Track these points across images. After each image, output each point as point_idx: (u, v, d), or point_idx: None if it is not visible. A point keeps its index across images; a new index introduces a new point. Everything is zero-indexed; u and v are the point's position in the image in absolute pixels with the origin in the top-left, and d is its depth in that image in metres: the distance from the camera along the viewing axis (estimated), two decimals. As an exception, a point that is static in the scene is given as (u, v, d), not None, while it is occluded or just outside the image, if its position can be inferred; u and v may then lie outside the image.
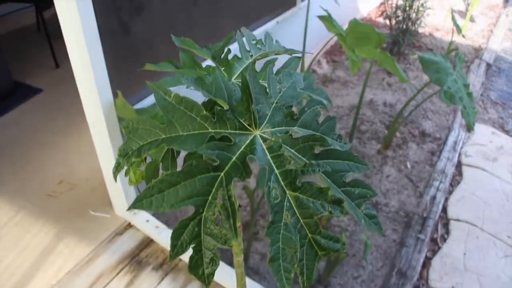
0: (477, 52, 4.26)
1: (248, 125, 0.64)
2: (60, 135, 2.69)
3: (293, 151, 0.62)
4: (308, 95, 0.73)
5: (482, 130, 3.19)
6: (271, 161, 0.61)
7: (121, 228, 2.13)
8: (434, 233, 2.37)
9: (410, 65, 3.89)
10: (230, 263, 1.93)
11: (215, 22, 2.34)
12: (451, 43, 3.16)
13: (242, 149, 0.61)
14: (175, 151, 0.70)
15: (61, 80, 3.21)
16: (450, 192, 2.63)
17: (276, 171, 0.60)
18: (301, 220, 0.59)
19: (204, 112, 0.62)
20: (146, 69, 0.81)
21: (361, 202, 0.64)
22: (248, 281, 1.87)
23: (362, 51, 2.31)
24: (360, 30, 2.16)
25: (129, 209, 0.58)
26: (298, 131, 0.66)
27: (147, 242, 2.07)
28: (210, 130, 0.62)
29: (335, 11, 2.56)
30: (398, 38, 3.95)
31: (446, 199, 2.58)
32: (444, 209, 2.51)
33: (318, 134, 0.63)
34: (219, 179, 0.58)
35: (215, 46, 0.89)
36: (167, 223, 2.12)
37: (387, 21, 4.20)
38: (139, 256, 2.01)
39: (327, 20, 2.48)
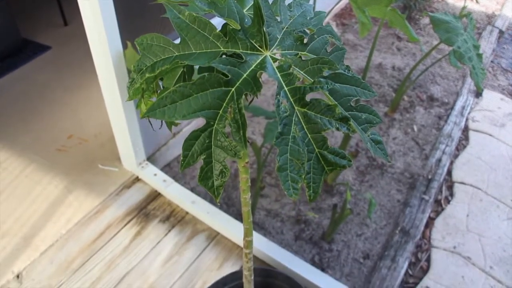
0: (490, 18, 4.19)
1: (259, 46, 0.65)
2: (69, 91, 2.71)
3: (302, 72, 0.63)
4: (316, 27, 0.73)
5: (490, 96, 3.17)
6: (280, 78, 0.62)
7: (129, 182, 2.16)
8: (438, 194, 2.39)
9: (421, 30, 3.83)
10: (236, 217, 1.97)
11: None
12: (463, 8, 3.10)
13: (253, 67, 0.62)
14: (187, 78, 0.71)
15: (69, 37, 3.20)
16: (456, 156, 2.64)
17: (286, 88, 0.61)
18: (309, 135, 0.60)
19: (217, 31, 0.63)
20: (157, 21, 0.81)
21: (367, 127, 0.65)
22: (253, 233, 1.91)
23: (373, 10, 2.28)
24: (371, -13, 2.13)
25: (143, 117, 0.60)
26: (307, 55, 0.66)
27: (155, 195, 2.11)
28: (222, 48, 0.63)
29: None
30: (409, 3, 3.89)
31: (452, 162, 2.59)
32: (449, 172, 2.53)
33: (327, 58, 0.64)
34: (230, 93, 0.60)
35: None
36: (174, 177, 2.15)
37: (399, -14, 4.12)
38: (147, 209, 2.06)
39: (338, -21, 2.44)
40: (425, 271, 2.02)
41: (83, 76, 2.80)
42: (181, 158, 0.59)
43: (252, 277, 1.22)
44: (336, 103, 0.63)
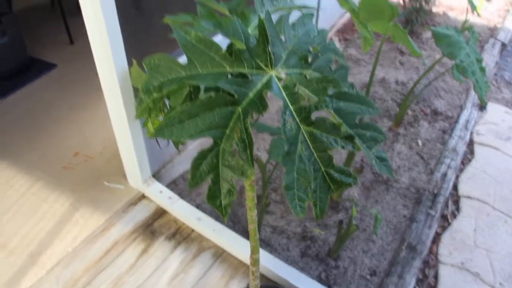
0: (492, 31, 4.21)
1: (264, 65, 0.66)
2: (75, 108, 2.74)
3: (307, 90, 0.63)
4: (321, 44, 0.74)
5: (495, 109, 3.17)
6: (286, 98, 0.62)
7: (135, 199, 2.17)
8: (444, 209, 2.38)
9: (423, 44, 3.85)
10: (242, 234, 1.96)
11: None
12: (465, 21, 3.12)
13: (258, 86, 0.63)
14: (193, 97, 0.72)
15: (75, 55, 3.24)
16: (461, 170, 2.63)
17: (291, 107, 0.62)
18: (315, 154, 0.61)
19: (222, 51, 0.64)
20: (162, 39, 0.82)
21: (372, 144, 0.66)
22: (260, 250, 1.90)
23: (375, 25, 2.30)
24: (373, 2, 2.15)
25: (151, 136, 0.60)
26: (312, 74, 0.67)
27: (160, 212, 2.11)
28: (228, 68, 0.64)
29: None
30: (412, 17, 3.91)
31: (457, 177, 2.58)
32: (455, 187, 2.52)
33: (332, 76, 0.65)
34: (236, 113, 0.61)
35: (232, 1, 0.90)
36: (180, 194, 2.16)
37: (401, 0, 4.16)
38: (153, 226, 2.06)
39: (340, -5, 2.47)
40: (433, 287, 2.00)
41: (89, 93, 2.83)
42: (190, 177, 0.60)
43: (259, 295, 1.21)
44: (341, 121, 0.63)
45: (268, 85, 0.63)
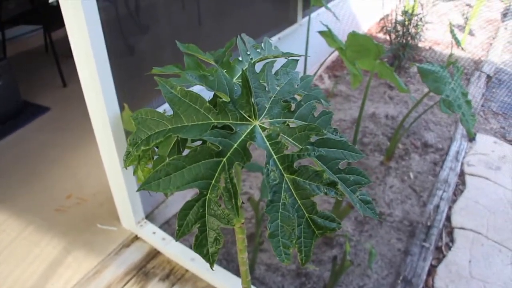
0: (477, 64, 4.32)
1: (248, 116, 0.68)
2: (68, 151, 2.75)
3: (290, 139, 0.66)
4: (304, 92, 0.77)
5: (484, 140, 3.22)
6: (269, 147, 0.65)
7: (128, 241, 2.16)
8: (438, 241, 2.39)
9: (411, 79, 3.94)
10: (236, 273, 1.95)
11: (219, 40, 2.41)
12: (450, 55, 3.21)
13: (242, 137, 0.65)
14: (181, 147, 0.74)
15: (68, 98, 3.28)
16: (454, 201, 2.65)
17: (274, 156, 0.64)
18: (299, 201, 0.63)
19: (207, 104, 0.66)
20: (152, 84, 0.85)
21: (356, 188, 0.68)
22: (254, 289, 1.89)
23: (362, 63, 2.36)
24: (359, 42, 2.22)
25: (138, 190, 0.62)
26: (295, 122, 0.70)
27: (154, 253, 2.10)
28: (213, 120, 0.66)
29: (336, 28, 2.62)
30: (398, 52, 4.02)
31: (450, 208, 2.60)
32: (448, 218, 2.53)
33: (314, 124, 0.67)
34: (221, 164, 0.63)
35: (218, 51, 0.94)
36: (173, 235, 2.15)
37: (387, 36, 4.28)
38: (146, 268, 2.04)
39: (328, 35, 2.54)
40: (430, 322, 1.98)
41: (82, 136, 2.85)
42: (177, 227, 0.62)
43: (253, 338, 1.20)
44: (324, 167, 0.65)
45: (251, 135, 0.66)
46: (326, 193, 0.61)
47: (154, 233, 2.12)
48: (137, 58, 1.99)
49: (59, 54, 3.37)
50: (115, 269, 2.03)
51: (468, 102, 2.33)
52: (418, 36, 4.11)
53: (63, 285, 1.97)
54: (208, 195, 0.62)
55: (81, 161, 2.68)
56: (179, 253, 2.03)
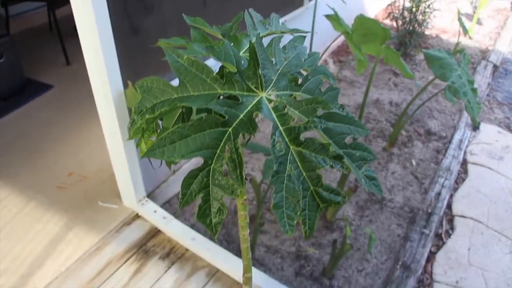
0: (484, 53, 4.28)
1: (255, 87, 0.67)
2: (71, 129, 2.75)
3: (296, 112, 0.65)
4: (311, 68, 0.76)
5: (488, 130, 3.20)
6: (276, 119, 0.64)
7: (129, 219, 2.16)
8: (438, 228, 2.39)
9: (416, 66, 3.91)
10: (236, 253, 1.96)
11: (224, 22, 2.38)
12: (457, 44, 3.18)
13: (249, 108, 0.65)
14: (185, 119, 0.74)
15: (71, 77, 3.27)
16: (455, 189, 2.64)
17: (281, 128, 0.63)
18: (304, 173, 0.62)
19: (214, 74, 0.66)
20: (157, 62, 0.84)
21: (361, 164, 0.67)
22: (254, 270, 1.90)
23: (368, 47, 2.34)
24: (366, 25, 2.19)
25: (143, 157, 0.62)
26: (301, 96, 0.69)
27: (154, 232, 2.11)
28: (219, 91, 0.65)
29: (342, 13, 2.59)
30: (405, 40, 3.98)
31: (451, 196, 2.59)
32: (449, 206, 2.53)
33: (321, 98, 0.66)
34: (227, 134, 0.62)
35: (225, 26, 0.93)
36: (174, 214, 2.16)
37: (394, 23, 4.23)
38: (146, 246, 2.05)
39: (334, 19, 2.51)
40: (428, 307, 1.99)
41: (85, 114, 2.85)
42: (180, 196, 0.61)
43: (252, 315, 1.21)
44: (330, 141, 0.65)
45: (258, 106, 0.65)
46: (332, 166, 0.60)
47: (155, 211, 2.13)
48: (141, 36, 1.97)
49: (63, 33, 3.35)
50: (115, 246, 2.04)
51: (474, 90, 2.31)
52: (425, 24, 4.07)
53: (64, 261, 1.98)
54: (213, 165, 0.61)
55: (83, 140, 2.67)
56: (180, 232, 2.04)
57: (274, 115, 0.64)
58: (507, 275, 2.15)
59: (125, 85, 1.81)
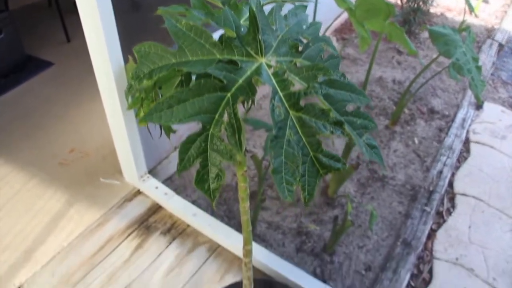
0: (490, 32, 4.23)
1: (254, 53, 0.66)
2: (72, 106, 2.74)
3: (297, 78, 0.64)
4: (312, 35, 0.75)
5: (491, 109, 3.18)
6: (275, 84, 0.63)
7: (131, 195, 2.17)
8: (439, 206, 2.39)
9: (421, 44, 3.87)
10: (237, 229, 1.97)
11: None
12: (463, 22, 3.13)
13: (248, 73, 0.64)
14: (184, 86, 0.73)
15: (72, 53, 3.25)
16: (457, 168, 2.64)
17: (280, 93, 0.62)
18: (304, 139, 0.61)
19: (213, 39, 0.64)
20: (157, 34, 0.82)
21: (362, 132, 0.66)
22: (255, 246, 1.91)
23: (372, 24, 2.30)
24: (370, 1, 2.15)
25: (141, 121, 0.61)
26: (302, 63, 0.68)
27: (156, 208, 2.12)
28: (218, 56, 0.64)
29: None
30: (409, 17, 3.92)
31: (453, 174, 2.59)
32: (451, 184, 2.53)
33: (322, 64, 0.65)
34: (226, 98, 0.61)
35: (225, -6, 0.91)
36: (176, 190, 2.16)
37: (398, 0, 4.17)
38: (148, 222, 2.06)
39: (337, -6, 2.47)
40: (427, 282, 2.00)
41: (85, 91, 2.83)
42: (178, 161, 0.60)
43: (252, 286, 1.22)
44: (331, 107, 0.64)
45: (257, 71, 0.64)
46: (332, 132, 0.59)
47: (156, 187, 2.13)
48: (142, 10, 1.94)
49: (63, 9, 3.31)
50: (117, 222, 2.05)
51: (478, 68, 2.28)
52: (430, 1, 4.00)
53: (66, 237, 1.99)
54: (211, 129, 0.61)
55: (84, 117, 2.66)
56: (181, 208, 2.05)
57: (274, 80, 0.63)
58: (507, 253, 2.16)
59: (126, 60, 1.79)
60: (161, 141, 2.19)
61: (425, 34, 3.98)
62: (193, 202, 2.13)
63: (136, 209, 2.11)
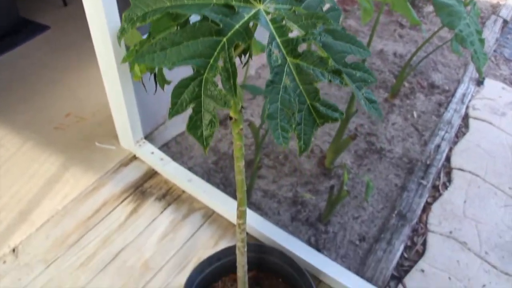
0: (495, 8, 4.16)
1: (252, -1, 0.64)
2: (68, 70, 2.70)
3: (295, 26, 0.62)
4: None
5: (492, 85, 3.15)
6: (273, 30, 0.61)
7: (126, 160, 2.16)
8: (436, 180, 2.39)
9: (424, 18, 3.81)
10: (233, 196, 1.97)
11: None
12: (467, -5, 3.07)
13: (245, 19, 0.61)
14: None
15: (68, 18, 3.19)
16: (455, 143, 2.63)
17: (278, 39, 0.60)
18: (301, 86, 0.60)
19: (209, -17, 0.62)
20: None
21: (361, 85, 0.64)
22: (250, 213, 1.91)
23: (375, -8, 2.26)
24: (374, -32, 2.10)
25: (132, 62, 0.59)
26: (302, 10, 0.65)
27: (151, 173, 2.11)
28: (214, 0, 0.62)
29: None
30: (413, -10, 3.86)
31: (451, 149, 2.58)
32: (448, 158, 2.52)
33: (322, 13, 0.63)
34: (221, 43, 0.59)
35: None
36: (172, 156, 2.15)
37: (403, -27, 4.09)
38: (143, 187, 2.06)
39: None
40: (420, 254, 2.02)
41: (82, 56, 2.79)
42: (170, 105, 0.59)
43: (246, 249, 1.22)
44: (329, 56, 0.62)
45: (255, 17, 0.61)
46: (330, 80, 0.57)
47: (152, 153, 2.12)
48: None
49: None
50: (112, 186, 2.05)
51: (482, 40, 2.25)
52: (435, -26, 3.92)
53: (61, 201, 1.99)
54: (205, 74, 0.58)
55: (81, 81, 2.63)
56: (177, 174, 2.04)
57: (271, 27, 0.61)
58: (499, 228, 2.17)
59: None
60: (158, 107, 2.17)
61: (429, 8, 3.92)
62: (189, 169, 2.12)
63: (132, 174, 2.10)
